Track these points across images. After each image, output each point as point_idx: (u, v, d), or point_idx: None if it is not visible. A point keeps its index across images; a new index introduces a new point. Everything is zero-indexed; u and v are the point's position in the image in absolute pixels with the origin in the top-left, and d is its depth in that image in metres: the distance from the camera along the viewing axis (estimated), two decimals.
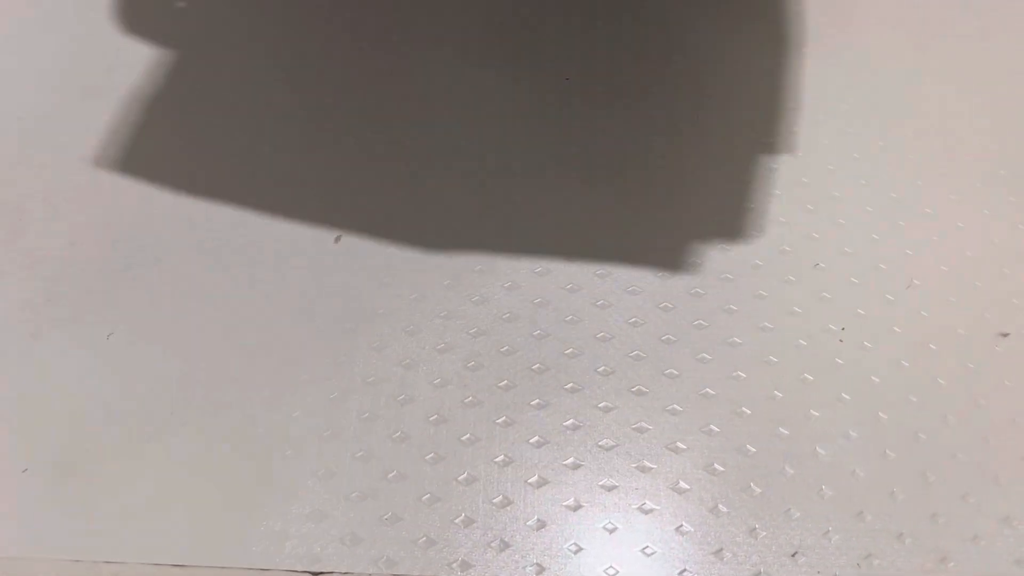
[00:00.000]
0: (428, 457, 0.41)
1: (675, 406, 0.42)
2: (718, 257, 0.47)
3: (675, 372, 0.43)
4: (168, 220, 0.48)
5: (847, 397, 0.43)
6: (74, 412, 0.42)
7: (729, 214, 0.48)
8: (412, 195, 0.49)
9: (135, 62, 0.55)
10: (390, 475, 0.40)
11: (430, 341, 0.44)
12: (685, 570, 0.38)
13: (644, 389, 0.43)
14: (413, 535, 0.39)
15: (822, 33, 0.56)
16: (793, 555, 0.39)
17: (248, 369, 0.44)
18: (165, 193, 0.49)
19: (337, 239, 0.48)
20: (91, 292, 0.46)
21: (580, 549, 0.39)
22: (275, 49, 0.56)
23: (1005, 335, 0.45)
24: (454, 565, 0.38)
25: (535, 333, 0.45)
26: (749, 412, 0.42)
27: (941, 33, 0.56)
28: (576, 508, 0.40)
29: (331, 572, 0.38)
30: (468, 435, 0.42)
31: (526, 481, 0.40)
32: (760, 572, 0.38)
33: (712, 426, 0.42)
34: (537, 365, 0.44)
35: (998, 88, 0.54)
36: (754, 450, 0.41)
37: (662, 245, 0.47)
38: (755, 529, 0.39)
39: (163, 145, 0.52)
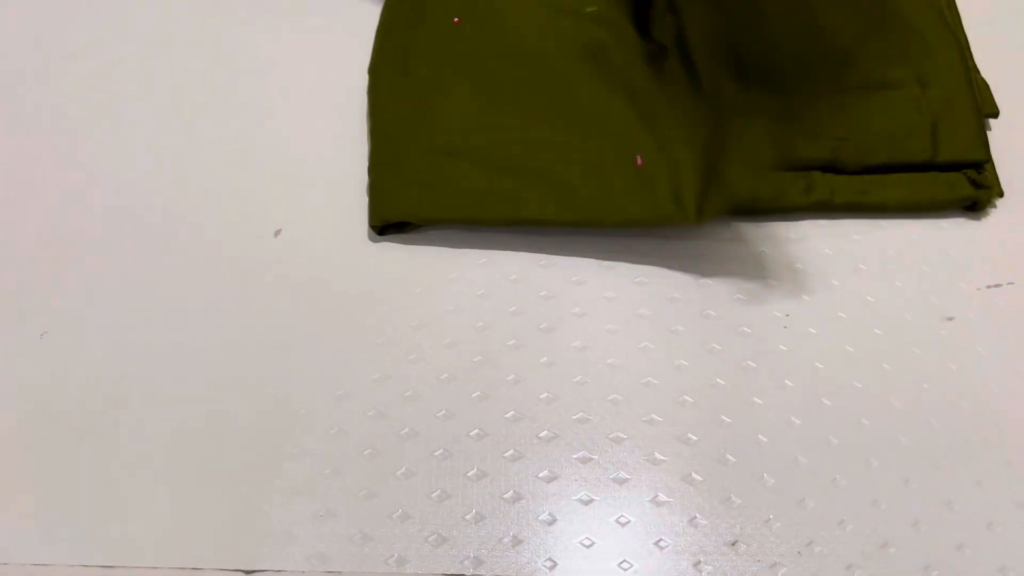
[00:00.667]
0: (366, 453, 0.40)
1: (616, 396, 0.42)
2: (661, 246, 0.46)
3: (616, 362, 0.43)
4: (101, 215, 0.48)
5: (790, 384, 0.42)
6: (6, 414, 0.42)
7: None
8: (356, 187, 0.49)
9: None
10: (326, 471, 0.40)
11: (370, 335, 0.44)
12: (625, 560, 0.38)
13: (586, 380, 0.42)
14: (348, 531, 0.39)
15: None
16: (733, 544, 0.38)
17: (187, 366, 0.43)
18: (96, 187, 0.49)
19: (277, 233, 0.47)
20: (21, 290, 0.45)
21: (520, 542, 0.38)
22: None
23: (950, 319, 0.44)
24: (390, 561, 0.38)
25: (478, 325, 0.44)
26: (691, 400, 0.42)
27: None
28: (515, 501, 0.39)
29: (264, 570, 0.38)
30: (407, 430, 0.41)
31: (465, 475, 0.40)
32: (700, 561, 0.38)
33: (654, 415, 0.41)
34: (479, 358, 0.43)
35: None
36: (696, 439, 0.41)
37: (603, 232, 0.46)
38: (695, 518, 0.39)
39: (94, 136, 0.51)
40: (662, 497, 0.39)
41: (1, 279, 0.46)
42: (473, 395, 0.42)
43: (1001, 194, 0.46)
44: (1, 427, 0.41)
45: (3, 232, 0.47)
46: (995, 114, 0.49)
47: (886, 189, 0.46)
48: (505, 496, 0.39)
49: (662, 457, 0.40)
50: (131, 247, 0.47)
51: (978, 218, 0.47)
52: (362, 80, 0.51)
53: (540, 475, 0.40)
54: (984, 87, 0.49)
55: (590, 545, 0.38)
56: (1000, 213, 0.47)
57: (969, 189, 0.46)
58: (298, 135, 0.51)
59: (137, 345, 0.44)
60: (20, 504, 0.39)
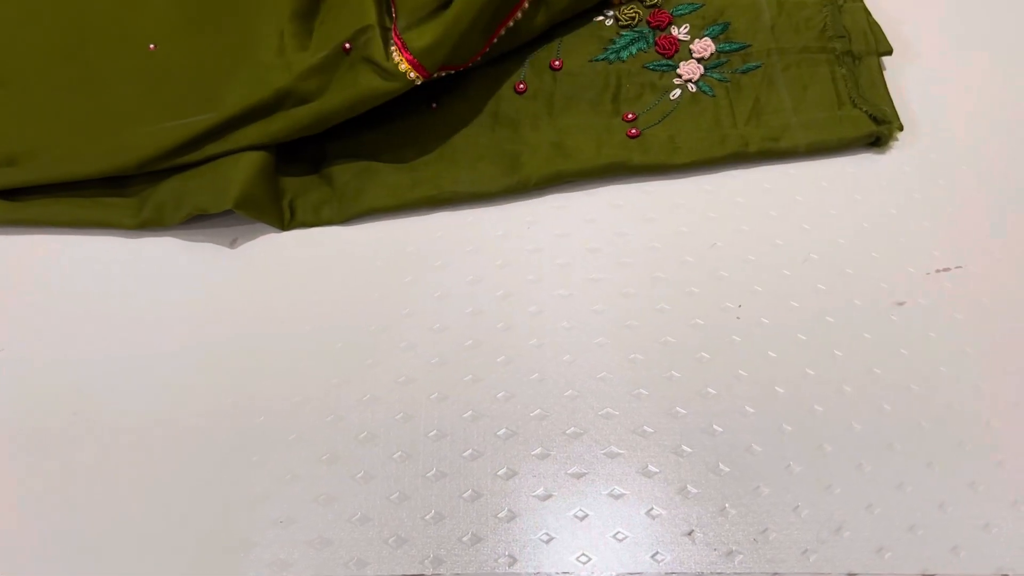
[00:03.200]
0: (324, 458, 0.41)
1: (572, 392, 0.42)
2: (616, 241, 0.47)
3: (572, 358, 0.43)
4: (55, 229, 0.48)
5: (744, 374, 0.43)
6: None
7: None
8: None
9: None
10: (285, 478, 0.40)
11: (327, 341, 0.44)
12: (583, 554, 0.39)
13: (543, 377, 0.43)
14: (308, 537, 0.39)
15: None
16: (690, 533, 0.39)
17: (145, 378, 0.43)
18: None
19: (233, 242, 0.47)
20: None
21: (479, 540, 0.39)
22: None
23: (901, 304, 0.45)
24: (350, 564, 0.38)
25: (435, 327, 0.45)
26: (646, 393, 0.42)
27: None
28: (474, 499, 0.40)
29: None
30: (365, 433, 0.41)
31: (424, 476, 0.40)
32: (657, 552, 0.38)
33: (609, 409, 0.42)
34: (436, 359, 0.44)
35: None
36: (651, 431, 0.41)
37: (559, 231, 0.47)
38: (652, 509, 0.39)
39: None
40: (619, 490, 0.40)
41: None
42: (431, 396, 0.42)
43: (901, 127, 0.49)
44: None
45: None
46: (888, 51, 0.50)
47: (794, 133, 0.49)
48: (464, 495, 0.40)
49: (619, 451, 0.41)
50: (86, 262, 0.47)
51: (927, 202, 0.48)
52: None
53: (499, 473, 0.40)
54: (876, 27, 0.51)
55: (548, 540, 0.39)
56: (942, 191, 0.48)
57: (871, 125, 0.49)
58: None
59: (96, 359, 0.44)
60: None
